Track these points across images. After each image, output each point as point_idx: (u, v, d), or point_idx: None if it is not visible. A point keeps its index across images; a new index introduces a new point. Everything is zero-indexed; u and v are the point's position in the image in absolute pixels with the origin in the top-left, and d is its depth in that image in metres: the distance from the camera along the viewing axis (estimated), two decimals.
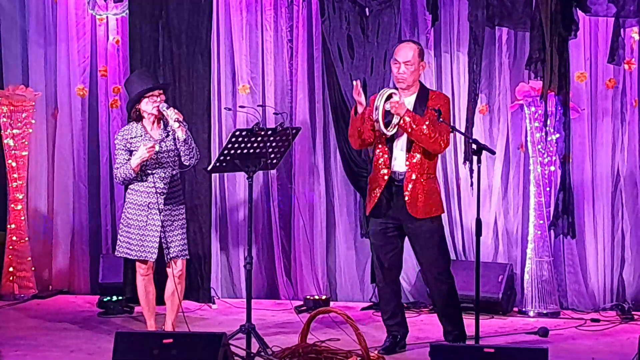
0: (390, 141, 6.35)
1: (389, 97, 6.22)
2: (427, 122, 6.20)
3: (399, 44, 6.60)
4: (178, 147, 6.51)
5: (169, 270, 6.63)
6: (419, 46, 6.47)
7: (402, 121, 6.20)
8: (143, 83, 6.55)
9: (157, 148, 6.44)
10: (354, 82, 6.37)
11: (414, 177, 6.30)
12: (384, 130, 6.23)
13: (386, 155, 6.36)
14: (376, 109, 6.19)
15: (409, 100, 6.37)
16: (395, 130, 6.27)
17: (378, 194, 6.37)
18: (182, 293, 6.71)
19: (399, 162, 6.35)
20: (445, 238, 6.57)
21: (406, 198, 6.29)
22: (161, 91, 6.57)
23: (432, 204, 6.35)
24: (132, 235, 6.57)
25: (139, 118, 6.58)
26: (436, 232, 6.42)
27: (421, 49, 6.45)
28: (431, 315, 7.62)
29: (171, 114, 6.42)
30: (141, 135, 6.53)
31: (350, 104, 7.95)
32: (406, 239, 6.52)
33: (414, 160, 6.30)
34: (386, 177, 6.35)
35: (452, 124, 6.50)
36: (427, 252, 6.43)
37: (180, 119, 6.42)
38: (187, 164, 6.57)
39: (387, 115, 6.25)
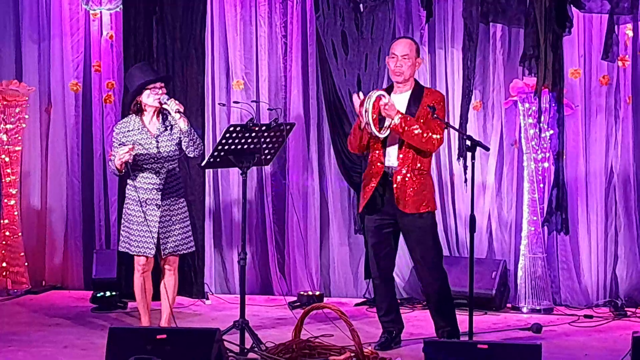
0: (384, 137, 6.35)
1: (379, 99, 6.22)
2: (419, 123, 6.22)
3: (396, 39, 6.66)
4: (181, 139, 6.49)
5: (162, 263, 6.60)
6: (416, 43, 6.52)
7: (392, 123, 6.22)
8: (145, 75, 6.53)
9: (134, 152, 6.38)
10: (354, 95, 6.38)
11: (403, 172, 6.30)
12: (377, 133, 6.22)
13: (379, 151, 6.36)
14: (365, 112, 6.18)
15: (404, 97, 6.38)
16: (387, 132, 6.28)
17: (372, 190, 6.38)
18: (175, 287, 6.68)
19: (392, 157, 6.35)
20: (438, 234, 6.52)
21: (394, 193, 6.30)
22: (162, 84, 6.56)
23: (422, 199, 6.34)
24: (132, 230, 6.54)
25: (138, 111, 6.56)
26: (428, 228, 6.40)
27: (418, 46, 6.50)
28: (425, 312, 7.61)
29: (172, 105, 6.40)
30: (138, 129, 6.51)
31: (344, 100, 7.95)
32: (400, 235, 6.53)
33: (406, 156, 6.31)
34: (380, 172, 6.35)
35: (446, 121, 6.49)
36: (419, 248, 6.41)
37: (181, 110, 6.41)
38: (191, 155, 6.56)
39: (381, 117, 6.27)
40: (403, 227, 6.41)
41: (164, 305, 6.65)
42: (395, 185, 6.30)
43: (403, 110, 6.30)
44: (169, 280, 6.62)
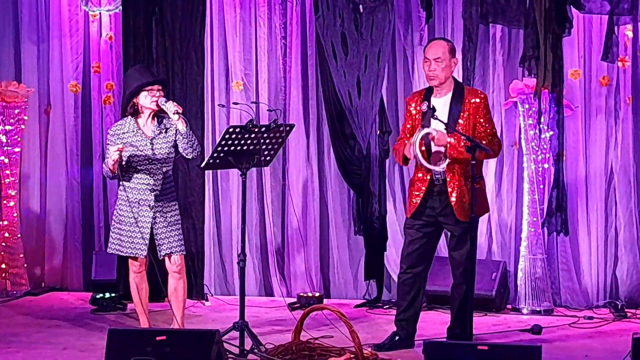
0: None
1: (425, 135, 6.13)
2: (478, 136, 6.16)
3: (428, 42, 6.54)
4: (177, 141, 6.47)
5: (168, 267, 6.59)
6: (450, 43, 6.41)
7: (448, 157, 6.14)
8: (143, 77, 6.51)
9: (124, 152, 6.35)
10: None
11: (458, 178, 6.20)
12: (429, 166, 6.13)
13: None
14: (412, 144, 6.08)
15: (445, 100, 6.28)
16: (446, 162, 6.14)
17: (421, 197, 6.27)
18: (185, 288, 6.62)
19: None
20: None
21: (453, 199, 6.19)
22: (160, 87, 6.54)
23: (475, 204, 6.14)
24: (123, 231, 6.53)
25: (135, 112, 6.55)
26: (472, 231, 6.21)
27: (452, 46, 6.38)
28: (425, 313, 7.62)
29: (170, 107, 6.38)
30: (133, 131, 6.50)
31: (343, 101, 7.94)
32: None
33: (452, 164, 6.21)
34: (427, 179, 6.26)
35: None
36: (460, 250, 6.32)
37: (180, 111, 6.39)
38: (189, 157, 6.54)
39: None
40: (450, 229, 6.35)
41: (175, 307, 6.58)
42: (452, 196, 6.19)
43: (446, 113, 6.21)
44: (178, 284, 6.55)
